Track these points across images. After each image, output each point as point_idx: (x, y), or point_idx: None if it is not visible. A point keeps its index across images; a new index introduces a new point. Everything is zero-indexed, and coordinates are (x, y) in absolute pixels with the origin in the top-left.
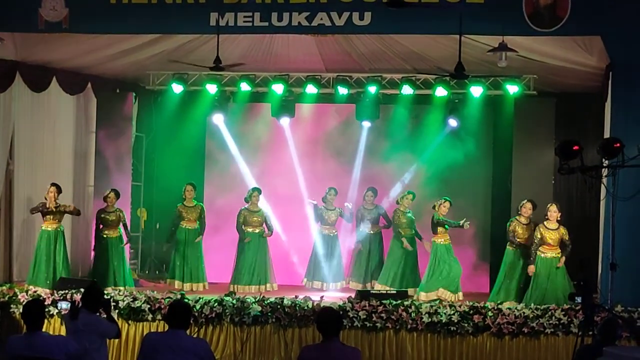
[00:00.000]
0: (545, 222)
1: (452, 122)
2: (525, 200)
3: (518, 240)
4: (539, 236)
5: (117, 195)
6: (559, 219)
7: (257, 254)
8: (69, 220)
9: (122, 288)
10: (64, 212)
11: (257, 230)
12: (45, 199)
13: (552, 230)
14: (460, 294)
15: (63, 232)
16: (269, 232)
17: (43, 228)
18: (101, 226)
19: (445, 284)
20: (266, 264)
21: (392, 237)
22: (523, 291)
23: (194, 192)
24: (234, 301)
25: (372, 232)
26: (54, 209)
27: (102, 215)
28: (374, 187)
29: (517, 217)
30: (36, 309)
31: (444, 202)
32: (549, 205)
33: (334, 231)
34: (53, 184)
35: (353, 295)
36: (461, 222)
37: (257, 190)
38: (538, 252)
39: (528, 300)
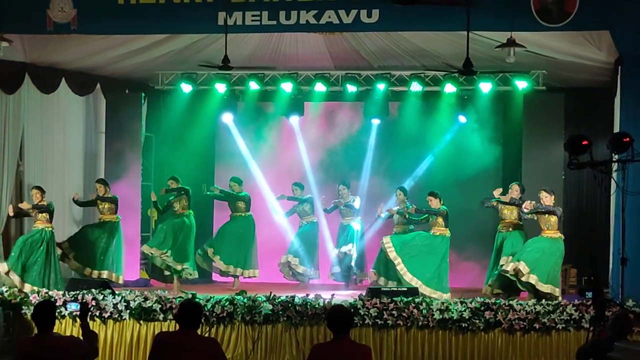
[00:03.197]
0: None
1: (462, 119)
2: (513, 183)
3: (502, 222)
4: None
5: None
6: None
7: (241, 233)
8: (80, 220)
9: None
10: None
11: (242, 214)
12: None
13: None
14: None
15: (52, 232)
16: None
17: (34, 227)
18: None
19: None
20: (248, 248)
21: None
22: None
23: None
24: (245, 300)
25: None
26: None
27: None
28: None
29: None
30: (47, 310)
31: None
32: (539, 194)
33: (312, 219)
34: (35, 187)
35: (364, 293)
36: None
37: (234, 180)
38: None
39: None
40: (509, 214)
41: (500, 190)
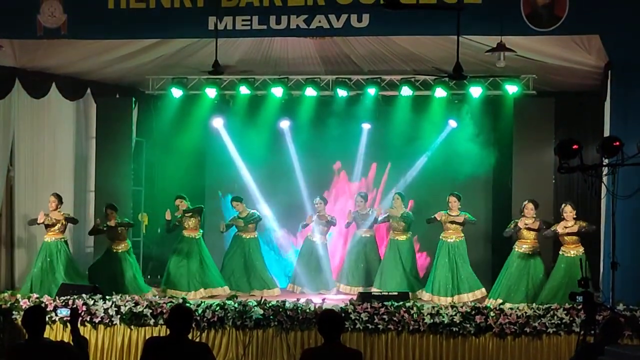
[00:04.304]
0: (562, 223)
1: (452, 123)
2: (526, 201)
3: (522, 241)
4: (554, 228)
5: (114, 209)
6: (575, 217)
7: (242, 258)
8: (70, 225)
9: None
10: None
11: (245, 236)
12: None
13: (569, 228)
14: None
15: (66, 242)
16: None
17: (45, 240)
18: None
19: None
20: (255, 270)
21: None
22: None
23: (185, 202)
24: (236, 305)
25: (367, 235)
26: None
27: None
28: (365, 192)
29: (521, 218)
30: (37, 316)
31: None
32: (563, 206)
33: (322, 239)
34: (54, 194)
35: (355, 298)
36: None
37: (237, 199)
38: (560, 252)
39: (544, 296)
40: (528, 234)
41: (530, 221)
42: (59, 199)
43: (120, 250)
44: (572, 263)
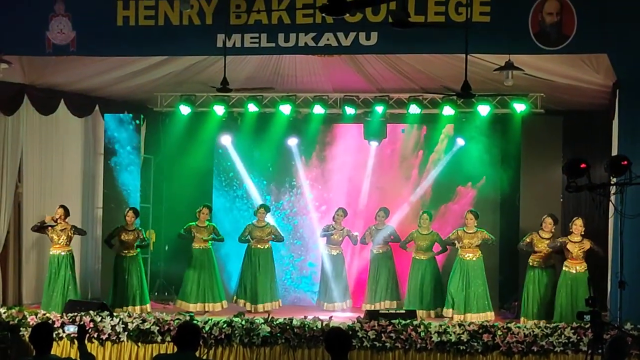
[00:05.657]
0: (569, 236)
1: (460, 141)
2: (546, 215)
3: (537, 253)
4: (560, 240)
5: (136, 213)
6: (582, 233)
7: (258, 270)
8: (78, 240)
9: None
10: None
11: (263, 246)
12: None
13: (575, 244)
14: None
15: (72, 255)
16: (279, 239)
17: (51, 253)
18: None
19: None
20: (270, 281)
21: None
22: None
23: (209, 214)
24: (243, 322)
25: (380, 251)
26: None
27: (122, 235)
28: (386, 207)
29: (538, 232)
30: (45, 332)
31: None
32: (574, 219)
33: (339, 250)
34: (61, 206)
35: (362, 315)
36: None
37: (264, 207)
38: (563, 268)
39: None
40: (544, 247)
41: (547, 236)
42: (66, 211)
43: (129, 255)
44: (576, 279)
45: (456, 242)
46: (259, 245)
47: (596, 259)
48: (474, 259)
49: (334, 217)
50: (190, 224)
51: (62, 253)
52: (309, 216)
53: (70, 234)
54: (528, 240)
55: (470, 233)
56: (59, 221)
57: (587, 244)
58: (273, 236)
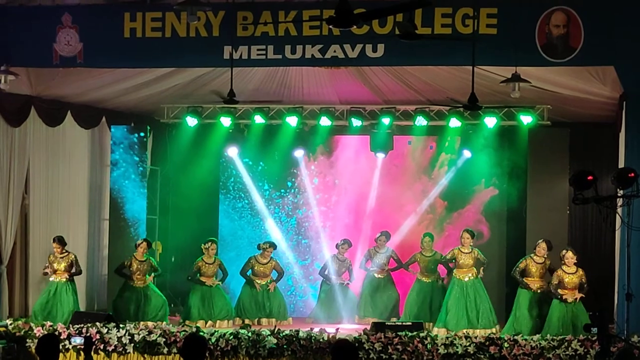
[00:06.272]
0: (563, 267)
1: (466, 153)
2: (541, 240)
3: (529, 279)
4: (556, 281)
5: (149, 245)
6: (576, 262)
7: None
8: (84, 251)
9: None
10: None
11: (262, 282)
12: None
13: (571, 275)
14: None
15: (73, 282)
16: (278, 277)
17: (52, 280)
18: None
19: None
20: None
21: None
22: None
23: (216, 248)
24: (250, 334)
25: (380, 276)
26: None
27: (134, 264)
28: (387, 231)
29: (531, 256)
30: (51, 344)
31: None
32: (564, 252)
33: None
34: (55, 239)
35: (368, 327)
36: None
37: (271, 245)
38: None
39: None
40: (537, 272)
41: (540, 260)
42: (62, 243)
43: (137, 285)
44: (567, 310)
45: (453, 261)
46: (261, 282)
47: (599, 269)
48: (472, 278)
49: (337, 245)
50: (198, 260)
51: (59, 280)
52: (315, 229)
53: (67, 269)
54: (522, 265)
55: (465, 253)
56: (53, 267)
57: (577, 278)
58: (275, 271)
